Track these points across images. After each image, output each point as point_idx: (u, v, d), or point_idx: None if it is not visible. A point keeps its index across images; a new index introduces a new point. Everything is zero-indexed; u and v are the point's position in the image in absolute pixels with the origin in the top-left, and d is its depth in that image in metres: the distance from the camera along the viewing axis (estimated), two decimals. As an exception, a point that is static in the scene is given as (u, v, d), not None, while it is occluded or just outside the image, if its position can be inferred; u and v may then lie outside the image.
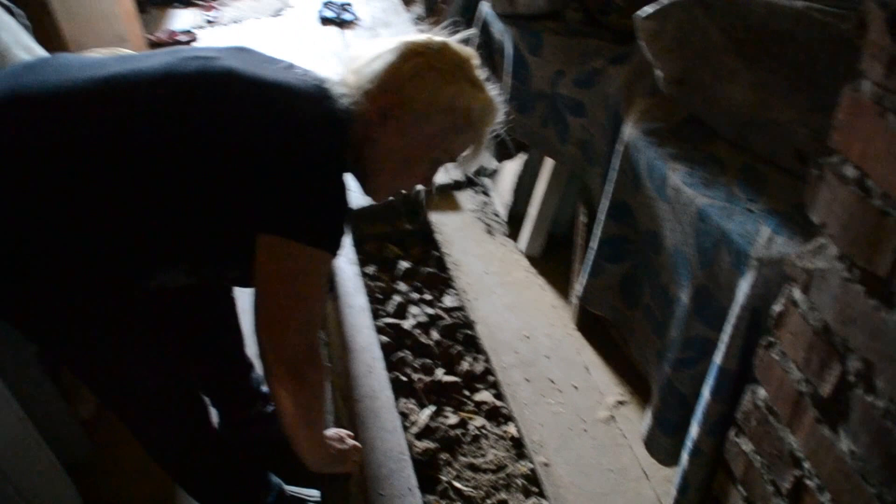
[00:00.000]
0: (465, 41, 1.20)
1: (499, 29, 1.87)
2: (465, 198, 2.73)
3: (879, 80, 0.72)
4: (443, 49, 1.13)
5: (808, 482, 0.92)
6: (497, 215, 2.62)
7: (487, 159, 2.48)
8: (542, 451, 1.81)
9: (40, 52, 1.84)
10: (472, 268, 2.40)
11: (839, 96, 0.79)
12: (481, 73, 1.17)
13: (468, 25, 2.07)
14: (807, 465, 0.92)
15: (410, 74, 1.10)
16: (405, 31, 4.02)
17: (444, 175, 2.76)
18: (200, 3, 4.51)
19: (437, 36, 1.16)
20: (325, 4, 4.32)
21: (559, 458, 1.79)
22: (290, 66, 1.15)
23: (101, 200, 1.02)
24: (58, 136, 1.00)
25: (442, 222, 2.60)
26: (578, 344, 2.11)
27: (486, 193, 2.74)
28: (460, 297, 2.30)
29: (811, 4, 1.03)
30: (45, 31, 2.18)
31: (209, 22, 4.26)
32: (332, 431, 1.43)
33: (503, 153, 2.23)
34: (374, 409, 1.88)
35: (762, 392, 1.01)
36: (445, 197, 2.71)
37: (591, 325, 2.12)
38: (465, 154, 1.21)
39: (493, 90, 1.18)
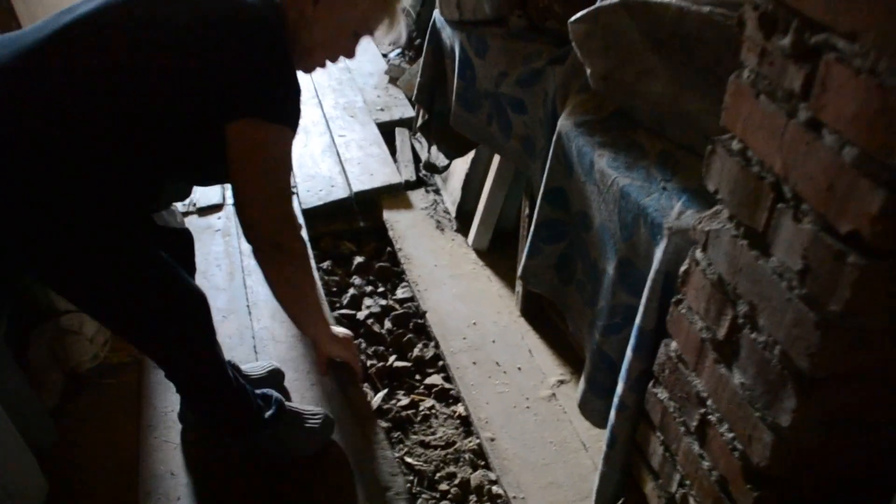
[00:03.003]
0: None
1: (448, 34, 2.01)
2: (418, 197, 2.86)
3: (754, 68, 0.87)
4: None
5: (710, 417, 1.07)
6: (447, 213, 2.75)
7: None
8: (488, 428, 1.93)
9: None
10: (423, 261, 2.53)
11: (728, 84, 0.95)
12: None
13: (420, 33, 2.22)
14: (709, 402, 1.07)
15: None
16: None
17: (397, 175, 2.89)
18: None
19: None
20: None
21: (504, 434, 1.92)
22: None
23: (106, 130, 1.16)
24: (56, 77, 1.14)
25: (395, 220, 2.72)
26: (523, 329, 2.25)
27: (437, 192, 2.87)
28: (412, 289, 2.42)
29: (714, 9, 1.19)
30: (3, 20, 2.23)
31: None
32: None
33: (452, 150, 2.37)
34: (328, 392, 1.98)
35: (673, 344, 1.15)
36: (398, 196, 2.84)
37: (534, 312, 2.27)
38: (380, 28, 1.41)
39: None
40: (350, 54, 1.43)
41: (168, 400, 1.96)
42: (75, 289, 1.33)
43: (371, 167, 2.94)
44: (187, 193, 1.63)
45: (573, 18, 1.43)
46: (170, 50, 1.18)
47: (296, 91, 1.26)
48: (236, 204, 1.31)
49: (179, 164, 1.34)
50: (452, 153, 2.42)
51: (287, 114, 1.24)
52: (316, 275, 2.39)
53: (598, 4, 1.38)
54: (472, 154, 2.53)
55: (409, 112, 3.35)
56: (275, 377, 1.92)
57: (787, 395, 0.88)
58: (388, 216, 2.73)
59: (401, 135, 3.25)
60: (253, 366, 1.93)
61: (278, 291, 1.45)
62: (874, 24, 0.67)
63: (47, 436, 1.81)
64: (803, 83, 0.78)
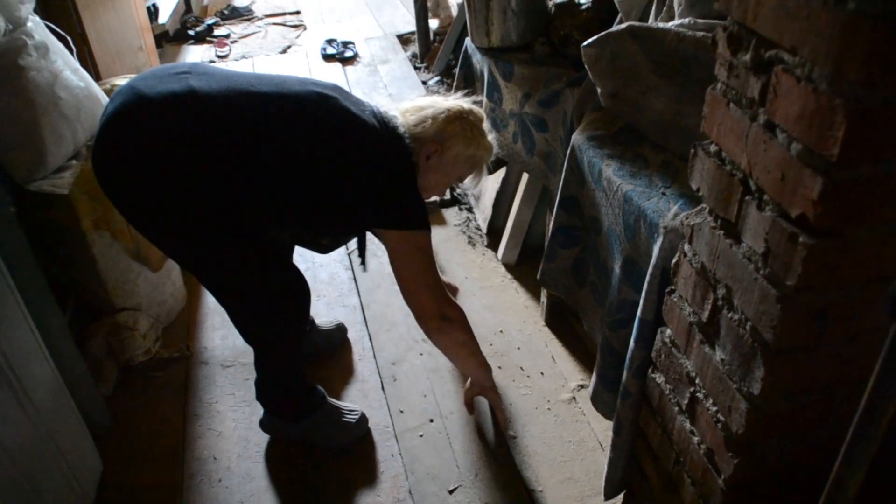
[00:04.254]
0: (478, 103, 1.79)
1: (478, 59, 2.19)
2: (451, 214, 3.02)
3: (724, 80, 1.01)
4: (475, 118, 1.71)
5: (698, 395, 1.19)
6: (479, 229, 2.91)
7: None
8: (510, 426, 2.06)
9: (84, 73, 2.15)
10: (454, 274, 2.68)
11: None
12: (487, 126, 1.76)
13: (457, 61, 2.47)
14: (697, 380, 1.19)
15: (452, 133, 1.66)
16: (404, 70, 4.34)
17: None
18: (212, 39, 4.86)
19: (472, 106, 1.74)
20: (328, 42, 4.67)
21: (526, 433, 2.04)
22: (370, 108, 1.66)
23: (244, 182, 1.46)
24: (223, 132, 1.43)
25: (429, 235, 2.88)
26: (547, 338, 2.37)
27: (469, 210, 3.03)
28: (443, 299, 2.57)
29: (706, 34, 1.34)
30: (83, 58, 2.48)
31: (220, 57, 4.60)
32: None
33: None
34: (364, 391, 2.14)
35: (668, 331, 1.28)
36: (432, 213, 3.00)
37: (558, 322, 2.39)
38: (469, 178, 1.84)
39: (491, 137, 1.78)
40: (441, 195, 1.91)
41: (212, 392, 2.14)
42: (210, 264, 1.60)
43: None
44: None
45: (585, 43, 1.59)
46: (324, 161, 1.51)
47: (420, 204, 1.64)
48: (404, 294, 1.67)
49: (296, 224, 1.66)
50: (482, 171, 2.58)
51: (426, 223, 1.62)
52: (354, 286, 2.57)
53: (606, 31, 1.54)
54: (502, 174, 2.68)
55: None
56: (341, 330, 2.31)
57: (757, 366, 1.00)
58: (423, 232, 2.89)
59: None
60: (322, 320, 2.27)
61: (453, 353, 1.82)
62: (808, 40, 0.81)
63: (103, 420, 2.00)
64: (760, 91, 0.92)
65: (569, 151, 1.68)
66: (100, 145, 1.43)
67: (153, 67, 1.53)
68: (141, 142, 1.40)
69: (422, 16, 4.22)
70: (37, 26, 1.99)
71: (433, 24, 4.48)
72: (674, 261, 1.22)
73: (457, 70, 2.47)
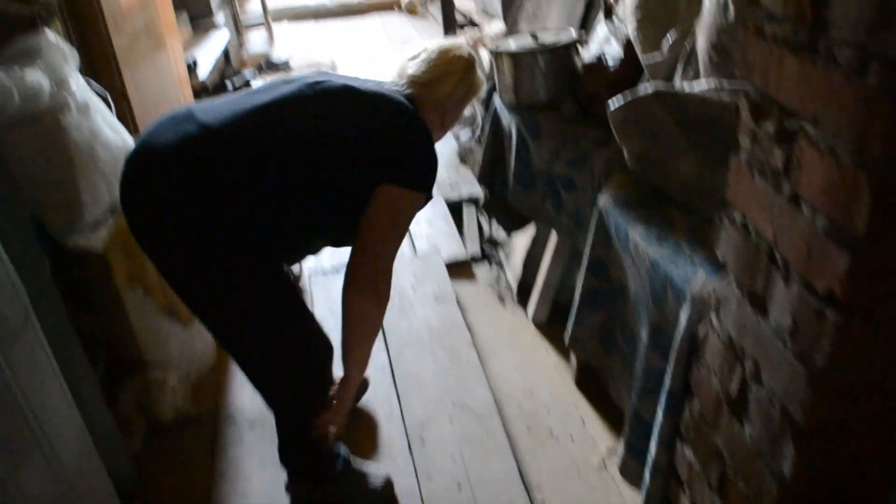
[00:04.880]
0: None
1: (506, 118, 2.20)
2: (482, 271, 3.01)
3: (749, 148, 0.99)
4: (470, 60, 1.69)
5: (728, 472, 1.13)
6: (509, 287, 2.88)
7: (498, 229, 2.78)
8: (539, 490, 1.99)
9: (122, 129, 2.22)
10: (483, 332, 2.64)
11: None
12: (478, 59, 1.72)
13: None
14: (726, 456, 1.14)
15: (452, 83, 1.65)
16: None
17: (463, 250, 3.06)
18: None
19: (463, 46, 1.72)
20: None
21: (555, 498, 1.97)
22: (364, 78, 1.67)
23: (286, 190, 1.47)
24: (253, 146, 1.47)
25: (459, 291, 2.86)
26: (576, 399, 2.31)
27: (500, 267, 3.01)
28: (473, 357, 2.54)
29: (732, 98, 1.32)
30: (122, 112, 2.56)
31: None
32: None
33: (510, 224, 2.52)
34: (391, 452, 2.11)
35: (696, 403, 1.23)
36: (464, 268, 2.99)
37: (588, 383, 2.33)
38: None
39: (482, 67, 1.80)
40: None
41: (239, 451, 2.13)
42: (225, 312, 1.58)
43: (439, 242, 3.12)
44: (319, 250, 1.91)
45: (612, 107, 1.58)
46: (349, 139, 1.51)
47: (436, 167, 1.58)
48: (357, 247, 1.55)
49: (336, 226, 1.63)
50: (511, 227, 2.57)
51: (426, 185, 1.55)
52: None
53: (633, 94, 1.53)
54: (532, 232, 2.67)
55: (476, 189, 3.54)
56: (363, 385, 2.24)
57: (788, 446, 0.95)
58: (454, 287, 2.88)
59: (468, 211, 3.43)
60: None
61: (359, 329, 1.64)
62: (830, 112, 0.79)
63: (130, 478, 1.98)
64: (784, 162, 0.90)
65: (596, 214, 1.66)
66: (133, 195, 1.47)
67: (156, 120, 1.56)
68: (181, 184, 1.42)
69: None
70: (79, 85, 2.06)
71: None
72: (702, 331, 1.19)
73: (485, 124, 2.49)
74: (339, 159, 1.50)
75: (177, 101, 3.48)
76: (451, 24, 4.52)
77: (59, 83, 1.96)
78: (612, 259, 1.63)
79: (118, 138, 2.15)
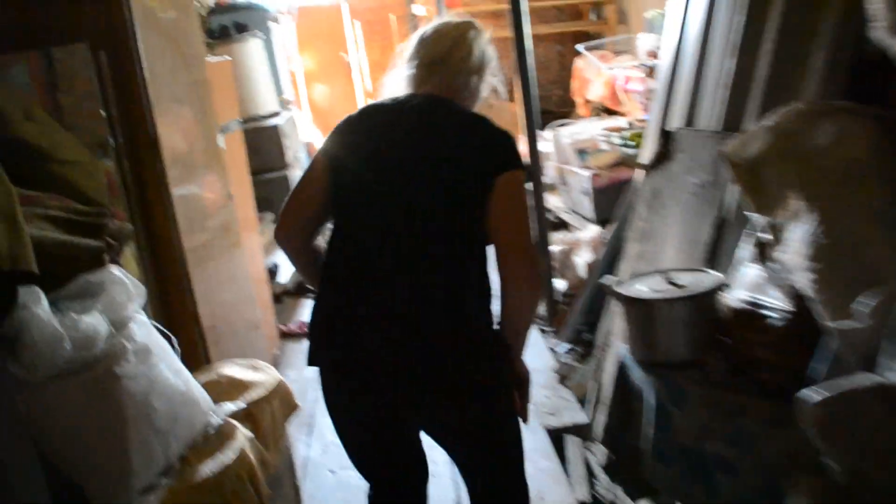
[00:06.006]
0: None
1: (638, 376, 1.84)
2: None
3: None
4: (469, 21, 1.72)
5: None
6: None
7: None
8: None
9: (186, 374, 1.98)
10: None
11: None
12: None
13: (590, 328, 2.21)
14: None
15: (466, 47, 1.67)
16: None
17: (570, 496, 2.59)
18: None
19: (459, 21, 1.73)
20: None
21: None
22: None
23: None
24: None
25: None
26: None
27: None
28: None
29: None
30: (193, 340, 2.35)
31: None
32: None
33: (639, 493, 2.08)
34: None
35: None
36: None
37: None
38: None
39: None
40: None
41: None
42: None
43: (541, 487, 2.66)
44: None
45: (807, 396, 1.20)
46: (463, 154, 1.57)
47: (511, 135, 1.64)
48: (510, 245, 1.52)
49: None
50: (639, 496, 2.12)
51: (519, 159, 1.58)
52: None
53: (844, 385, 1.15)
54: None
55: (580, 417, 3.12)
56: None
57: None
58: None
59: (573, 445, 2.99)
60: None
61: (524, 308, 1.60)
62: None
63: None
64: None
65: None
66: None
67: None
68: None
69: (547, 277, 4.04)
70: (140, 326, 1.85)
71: (561, 284, 4.27)
72: None
73: (591, 339, 2.13)
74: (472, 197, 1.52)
75: (251, 302, 3.29)
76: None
77: (119, 325, 1.76)
78: None
79: (180, 383, 1.92)
